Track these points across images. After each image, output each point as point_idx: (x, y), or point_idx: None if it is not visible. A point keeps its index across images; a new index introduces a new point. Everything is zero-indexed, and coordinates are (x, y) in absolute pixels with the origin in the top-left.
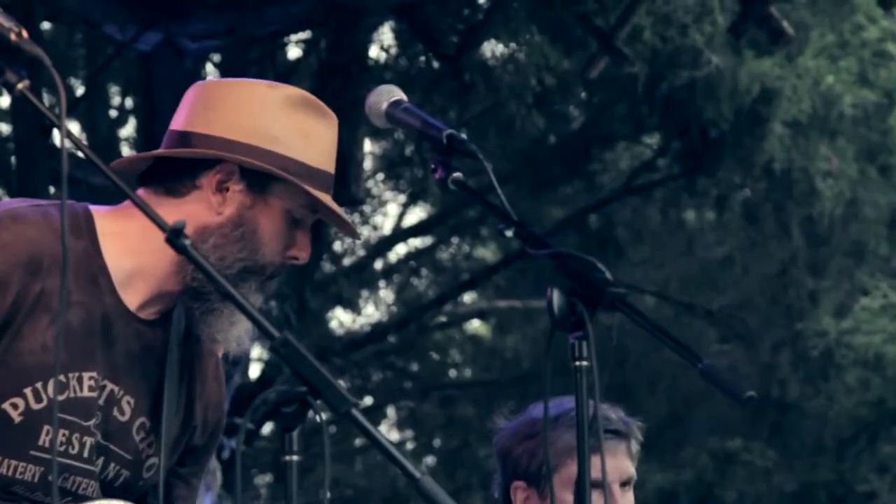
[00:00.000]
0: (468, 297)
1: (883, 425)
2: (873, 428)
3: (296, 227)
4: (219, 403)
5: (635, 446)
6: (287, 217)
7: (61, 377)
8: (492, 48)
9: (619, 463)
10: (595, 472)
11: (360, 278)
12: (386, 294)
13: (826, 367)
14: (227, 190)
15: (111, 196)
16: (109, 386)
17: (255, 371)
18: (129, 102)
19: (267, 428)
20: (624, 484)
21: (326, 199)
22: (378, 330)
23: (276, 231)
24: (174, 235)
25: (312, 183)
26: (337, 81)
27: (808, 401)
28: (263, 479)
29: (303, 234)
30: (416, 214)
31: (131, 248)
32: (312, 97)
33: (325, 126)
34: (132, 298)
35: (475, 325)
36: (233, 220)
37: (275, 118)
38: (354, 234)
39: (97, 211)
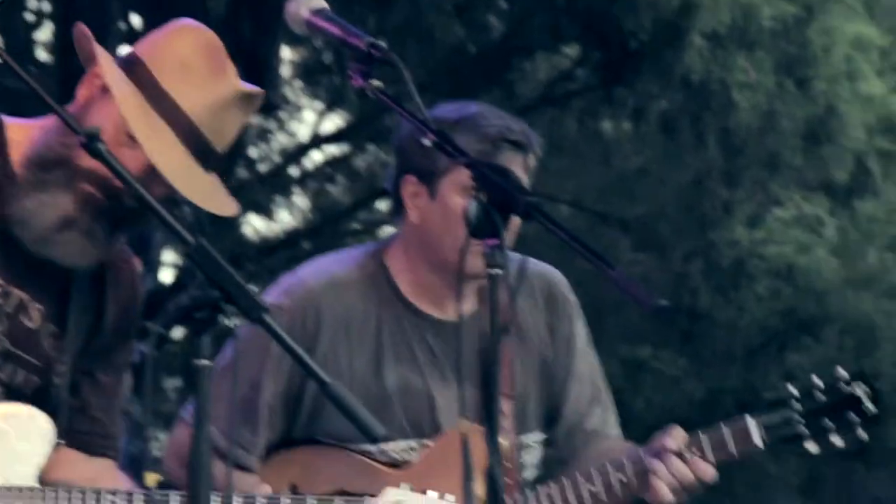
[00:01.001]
0: (383, 205)
1: (791, 335)
2: (782, 337)
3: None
4: (130, 307)
5: (533, 160)
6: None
7: None
8: None
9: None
10: None
11: (274, 184)
12: (301, 200)
13: (737, 277)
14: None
15: (26, 99)
16: (16, 293)
17: (168, 276)
18: (45, 6)
19: (178, 332)
20: None
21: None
22: (292, 236)
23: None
24: (90, 140)
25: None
26: None
27: (719, 310)
28: (172, 384)
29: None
30: (333, 122)
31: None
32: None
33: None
34: None
35: (390, 231)
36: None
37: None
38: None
39: (6, 120)
